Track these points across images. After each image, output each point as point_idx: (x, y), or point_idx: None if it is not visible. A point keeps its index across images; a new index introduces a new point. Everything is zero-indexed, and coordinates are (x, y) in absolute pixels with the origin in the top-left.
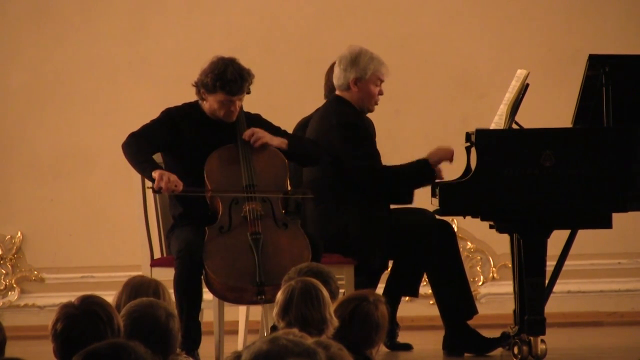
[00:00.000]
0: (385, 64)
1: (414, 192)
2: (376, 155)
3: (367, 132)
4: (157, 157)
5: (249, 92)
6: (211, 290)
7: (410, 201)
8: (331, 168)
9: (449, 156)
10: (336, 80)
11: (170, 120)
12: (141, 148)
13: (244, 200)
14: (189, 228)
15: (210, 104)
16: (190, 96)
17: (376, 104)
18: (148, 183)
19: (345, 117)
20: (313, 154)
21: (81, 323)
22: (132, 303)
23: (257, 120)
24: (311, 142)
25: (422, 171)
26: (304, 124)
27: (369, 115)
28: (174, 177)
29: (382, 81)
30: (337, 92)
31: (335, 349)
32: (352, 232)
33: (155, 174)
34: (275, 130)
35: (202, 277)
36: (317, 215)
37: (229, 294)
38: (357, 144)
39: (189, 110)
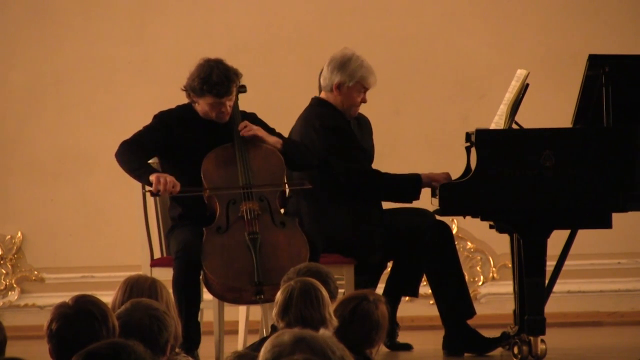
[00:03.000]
0: (374, 74)
1: (419, 190)
2: (360, 157)
3: (350, 134)
4: (153, 161)
5: (244, 91)
6: (210, 290)
7: (416, 198)
8: (317, 170)
9: (442, 181)
10: (322, 80)
11: (162, 125)
12: (134, 155)
13: (241, 200)
14: (187, 229)
15: (201, 106)
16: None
17: (356, 110)
18: (146, 186)
19: (327, 121)
20: (307, 159)
21: (76, 323)
22: (119, 310)
23: (252, 120)
24: (305, 147)
25: (408, 187)
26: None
27: (366, 114)
28: (170, 178)
29: (366, 89)
30: (322, 94)
31: None
32: (346, 230)
33: (153, 177)
34: (271, 132)
35: (201, 277)
36: (311, 214)
37: (227, 294)
38: (341, 148)
39: (182, 113)
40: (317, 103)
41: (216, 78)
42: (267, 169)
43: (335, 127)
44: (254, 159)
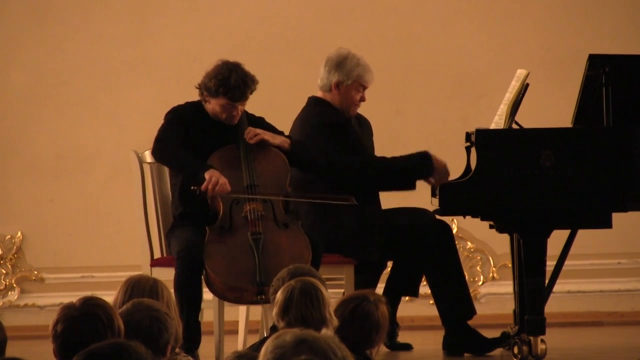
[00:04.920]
0: (371, 71)
1: (415, 179)
2: (361, 150)
3: (349, 129)
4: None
5: (251, 93)
6: (211, 290)
7: (412, 187)
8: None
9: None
10: (319, 80)
11: (180, 119)
12: (178, 150)
13: (245, 200)
14: (189, 228)
15: (212, 106)
16: (190, 96)
17: (356, 108)
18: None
19: (325, 117)
20: (316, 159)
21: (81, 325)
22: (120, 310)
23: (260, 124)
24: (314, 148)
25: (420, 160)
26: None
27: (366, 114)
28: (223, 180)
29: (364, 88)
30: (320, 93)
31: None
32: (347, 228)
33: (207, 175)
34: (279, 134)
35: (203, 277)
36: (312, 213)
37: (229, 294)
38: (340, 143)
39: (193, 110)
40: (314, 102)
41: (234, 82)
42: (272, 171)
43: (334, 123)
44: (258, 161)
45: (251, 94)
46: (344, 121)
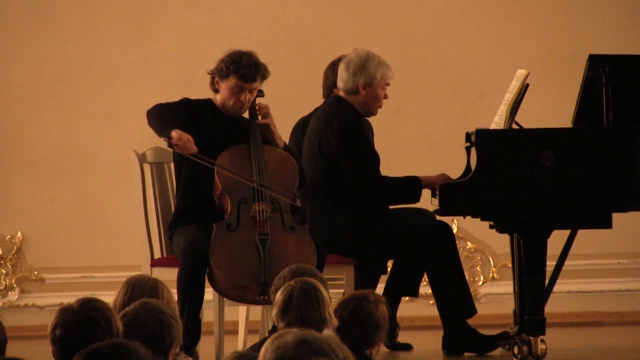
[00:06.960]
0: (390, 67)
1: (420, 192)
2: (373, 162)
3: (366, 137)
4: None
5: (262, 95)
6: (214, 287)
7: (417, 200)
8: (326, 172)
9: (439, 182)
10: (343, 83)
11: (190, 108)
12: (166, 114)
13: (254, 200)
14: (193, 226)
15: (222, 93)
16: (190, 96)
17: (380, 107)
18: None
19: (347, 121)
20: (305, 176)
21: (80, 329)
22: (127, 308)
23: (263, 125)
24: (301, 165)
25: (411, 190)
26: (302, 124)
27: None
28: (188, 138)
29: (388, 85)
30: (342, 94)
31: None
32: (346, 236)
33: (174, 133)
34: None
35: (206, 274)
36: (313, 218)
37: (232, 292)
38: (356, 150)
39: (204, 104)
40: (336, 102)
41: (246, 62)
42: (281, 174)
43: (353, 129)
44: (268, 162)
45: (262, 80)
46: (362, 129)
